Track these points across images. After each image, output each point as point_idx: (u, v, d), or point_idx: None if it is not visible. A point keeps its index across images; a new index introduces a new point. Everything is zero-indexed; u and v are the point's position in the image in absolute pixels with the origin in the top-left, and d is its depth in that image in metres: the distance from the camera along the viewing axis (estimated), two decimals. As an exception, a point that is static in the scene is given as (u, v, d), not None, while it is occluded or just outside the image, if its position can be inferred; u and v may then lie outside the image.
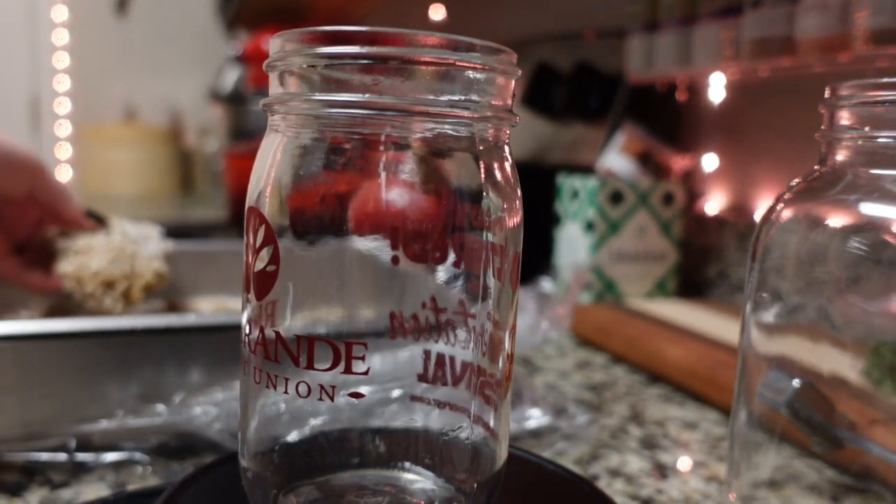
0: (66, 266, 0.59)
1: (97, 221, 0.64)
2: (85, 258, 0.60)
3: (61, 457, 0.43)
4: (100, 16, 2.53)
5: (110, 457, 0.43)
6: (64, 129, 2.55)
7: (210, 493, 0.31)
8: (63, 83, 2.53)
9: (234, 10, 1.96)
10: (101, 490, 0.40)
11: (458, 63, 0.25)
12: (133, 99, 2.61)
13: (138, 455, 0.44)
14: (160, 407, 0.44)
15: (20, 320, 0.58)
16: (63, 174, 2.53)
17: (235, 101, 2.03)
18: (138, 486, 0.41)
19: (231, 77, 2.00)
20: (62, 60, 2.52)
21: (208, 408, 0.44)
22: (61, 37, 2.51)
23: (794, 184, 0.34)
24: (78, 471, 0.42)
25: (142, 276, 0.60)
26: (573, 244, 0.85)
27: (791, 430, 0.34)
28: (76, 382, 0.44)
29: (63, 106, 2.54)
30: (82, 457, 0.43)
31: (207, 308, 0.70)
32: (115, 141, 2.44)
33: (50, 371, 0.44)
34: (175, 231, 0.78)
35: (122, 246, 0.62)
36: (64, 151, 2.55)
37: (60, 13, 2.51)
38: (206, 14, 2.49)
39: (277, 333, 0.26)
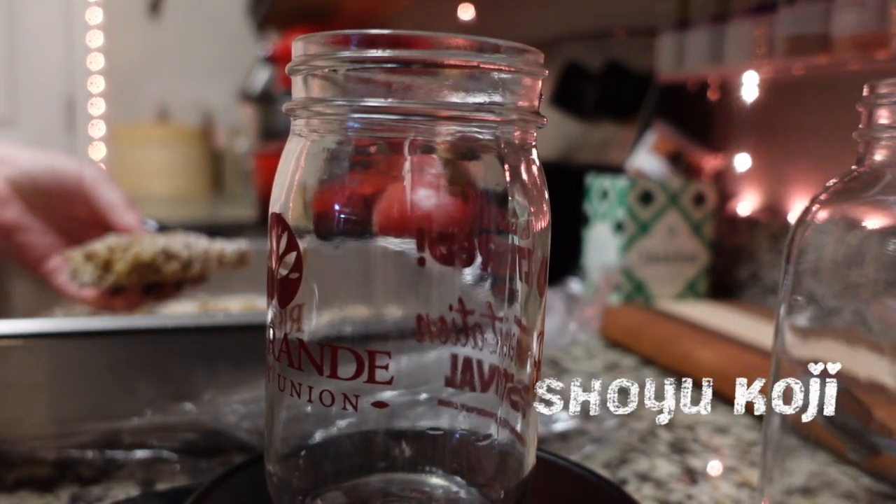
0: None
1: (158, 231, 0.56)
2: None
3: (92, 453, 0.43)
4: (133, 18, 2.57)
5: (140, 454, 0.44)
6: (98, 129, 2.60)
7: (238, 496, 0.31)
8: (97, 84, 2.58)
9: (265, 11, 1.97)
10: (130, 487, 0.41)
11: (482, 65, 0.25)
12: (165, 99, 2.65)
13: (166, 453, 0.44)
14: (189, 405, 0.44)
15: (53, 318, 0.59)
16: (97, 174, 2.57)
17: (265, 101, 2.05)
18: (167, 484, 0.41)
19: (261, 78, 2.02)
20: (97, 62, 2.56)
21: (237, 407, 0.44)
22: (96, 39, 2.56)
23: (830, 184, 0.33)
24: (108, 467, 0.43)
25: (131, 249, 0.51)
26: (602, 245, 0.84)
27: (826, 437, 0.33)
28: (107, 380, 0.44)
29: (97, 107, 2.59)
30: (112, 454, 0.43)
31: (237, 307, 0.70)
32: (147, 141, 2.48)
33: (81, 369, 0.44)
34: (205, 230, 0.79)
35: (141, 237, 0.53)
36: (98, 151, 2.60)
37: (95, 15, 2.55)
38: (237, 15, 2.52)
39: (301, 341, 0.26)
